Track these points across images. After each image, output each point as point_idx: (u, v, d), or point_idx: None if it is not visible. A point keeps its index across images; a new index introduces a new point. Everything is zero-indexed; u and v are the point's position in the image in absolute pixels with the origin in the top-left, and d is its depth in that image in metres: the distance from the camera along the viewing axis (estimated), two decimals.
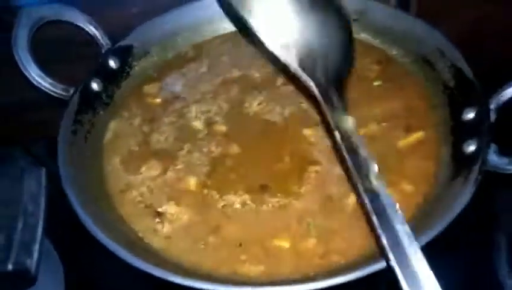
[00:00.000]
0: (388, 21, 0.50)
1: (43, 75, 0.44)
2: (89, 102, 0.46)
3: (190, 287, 0.30)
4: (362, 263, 0.31)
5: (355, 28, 0.51)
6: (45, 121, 0.47)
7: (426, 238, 0.31)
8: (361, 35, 0.52)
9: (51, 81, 0.45)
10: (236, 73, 0.51)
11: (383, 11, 0.50)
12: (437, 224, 0.31)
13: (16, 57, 0.43)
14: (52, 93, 0.45)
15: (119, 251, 0.32)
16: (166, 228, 0.37)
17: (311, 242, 0.35)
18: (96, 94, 0.47)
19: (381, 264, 0.30)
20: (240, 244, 0.36)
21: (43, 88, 0.44)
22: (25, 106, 0.58)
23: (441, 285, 0.26)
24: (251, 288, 0.30)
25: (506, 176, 0.35)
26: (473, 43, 0.49)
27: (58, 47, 0.52)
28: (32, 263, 0.23)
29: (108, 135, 0.46)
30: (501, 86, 0.38)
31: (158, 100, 0.49)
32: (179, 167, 0.42)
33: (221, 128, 0.45)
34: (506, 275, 0.42)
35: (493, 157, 0.35)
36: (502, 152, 0.35)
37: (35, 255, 0.23)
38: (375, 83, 0.47)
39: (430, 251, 0.31)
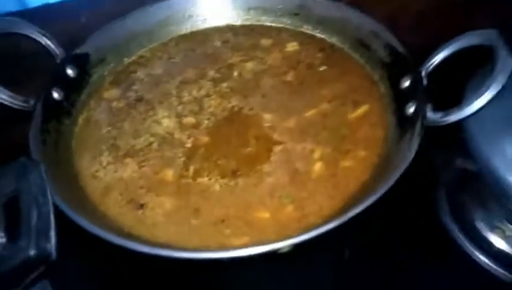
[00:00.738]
0: (325, 12, 0.55)
1: (1, 88, 0.44)
2: (52, 111, 0.46)
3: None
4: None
5: (297, 22, 0.57)
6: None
7: (384, 188, 0.36)
8: (303, 27, 0.57)
9: (10, 93, 0.45)
10: (191, 72, 0.54)
11: (320, 4, 0.56)
12: (394, 173, 0.36)
13: None
14: (14, 106, 0.45)
15: (119, 241, 0.33)
16: (150, 218, 0.39)
17: (288, 209, 0.39)
18: (58, 103, 0.48)
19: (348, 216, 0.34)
20: (223, 221, 0.38)
21: (3, 101, 0.44)
22: None
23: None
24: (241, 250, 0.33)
25: (441, 136, 0.42)
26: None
27: (11, 60, 0.51)
28: (51, 247, 0.25)
29: (77, 142, 0.47)
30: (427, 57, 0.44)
31: (121, 104, 0.51)
32: (153, 161, 0.44)
33: (190, 121, 0.47)
34: (448, 219, 0.48)
35: (430, 114, 0.41)
36: (436, 109, 0.41)
37: (53, 240, 0.25)
38: (321, 68, 0.53)
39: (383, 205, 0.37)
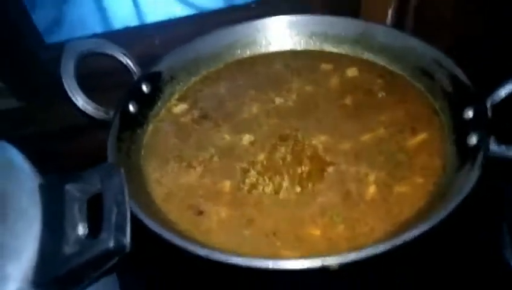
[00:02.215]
0: (386, 39, 0.57)
1: (88, 100, 0.50)
2: (127, 122, 0.51)
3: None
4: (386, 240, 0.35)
5: (357, 49, 0.59)
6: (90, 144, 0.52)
7: (440, 216, 0.36)
8: (364, 54, 0.58)
9: (94, 105, 0.50)
10: (253, 93, 0.57)
11: (381, 31, 0.57)
12: (451, 202, 0.36)
13: (65, 86, 0.49)
14: (96, 116, 0.50)
15: (181, 242, 0.36)
16: (206, 224, 0.42)
17: (339, 229, 0.40)
18: (133, 115, 0.53)
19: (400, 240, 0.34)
20: (274, 233, 0.40)
21: (88, 112, 0.50)
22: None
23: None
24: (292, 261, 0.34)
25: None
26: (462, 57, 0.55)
27: (96, 77, 0.58)
28: (127, 241, 0.28)
29: (146, 150, 0.51)
30: (493, 87, 0.44)
31: (187, 119, 0.55)
32: (213, 173, 0.47)
33: (249, 138, 0.50)
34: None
35: (493, 147, 0.40)
36: (500, 142, 0.40)
37: (128, 235, 0.29)
38: (380, 95, 0.53)
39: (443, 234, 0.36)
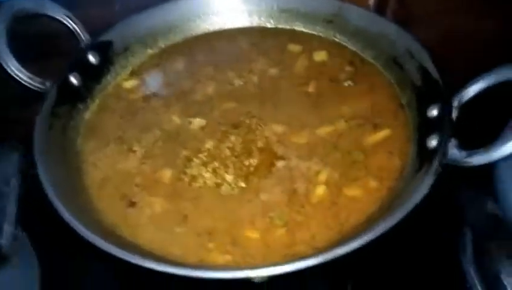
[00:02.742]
0: (362, 23, 0.52)
1: (21, 68, 0.45)
2: (67, 96, 0.47)
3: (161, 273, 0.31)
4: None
5: (330, 31, 0.54)
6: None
7: (385, 227, 0.32)
8: (336, 36, 0.53)
9: (29, 74, 0.45)
10: (212, 72, 0.52)
11: (357, 13, 0.52)
12: (397, 213, 0.33)
13: None
14: (31, 86, 0.45)
15: (94, 239, 0.33)
16: (136, 218, 0.38)
17: (279, 233, 0.37)
18: (75, 88, 0.48)
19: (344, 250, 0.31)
20: (209, 233, 0.37)
21: (21, 81, 0.45)
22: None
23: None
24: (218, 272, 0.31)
25: (470, 171, 0.37)
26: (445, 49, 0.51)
27: (39, 41, 0.53)
28: (4, 241, 0.25)
29: (86, 129, 0.47)
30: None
31: (137, 96, 0.50)
32: (154, 159, 0.43)
33: (200, 122, 0.46)
34: (470, 267, 0.43)
35: (454, 151, 0.36)
36: (465, 146, 0.37)
37: (7, 234, 0.25)
38: (346, 83, 0.49)
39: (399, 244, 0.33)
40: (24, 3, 0.46)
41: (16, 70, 0.44)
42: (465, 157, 0.35)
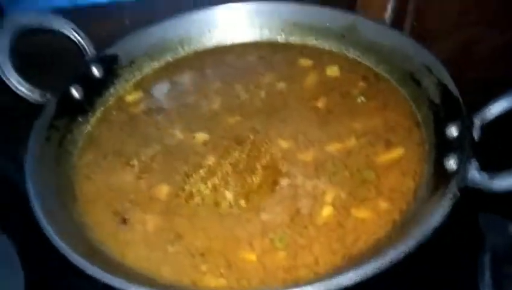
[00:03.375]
0: (376, 37, 0.49)
1: (21, 81, 0.44)
2: (68, 108, 0.45)
3: None
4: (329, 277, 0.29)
5: (342, 45, 0.52)
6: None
7: (395, 253, 0.29)
8: (349, 51, 0.51)
9: (29, 87, 0.44)
10: (218, 86, 0.50)
11: (371, 27, 0.50)
12: (410, 239, 0.29)
13: None
14: (29, 99, 0.44)
15: (76, 259, 0.31)
16: (127, 235, 0.36)
17: (279, 256, 0.33)
18: (76, 101, 0.47)
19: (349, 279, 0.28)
20: (202, 254, 0.34)
21: (20, 93, 0.44)
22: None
23: None
24: None
25: (491, 196, 0.34)
26: (464, 64, 0.48)
27: (42, 56, 0.52)
28: None
29: (84, 141, 0.45)
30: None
31: (138, 109, 0.49)
32: (152, 174, 0.41)
33: (202, 137, 0.44)
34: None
35: (474, 174, 0.33)
36: (486, 169, 0.33)
37: None
38: (359, 99, 0.46)
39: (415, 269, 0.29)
40: (29, 18, 0.46)
41: (16, 82, 0.44)
42: (486, 180, 0.32)
